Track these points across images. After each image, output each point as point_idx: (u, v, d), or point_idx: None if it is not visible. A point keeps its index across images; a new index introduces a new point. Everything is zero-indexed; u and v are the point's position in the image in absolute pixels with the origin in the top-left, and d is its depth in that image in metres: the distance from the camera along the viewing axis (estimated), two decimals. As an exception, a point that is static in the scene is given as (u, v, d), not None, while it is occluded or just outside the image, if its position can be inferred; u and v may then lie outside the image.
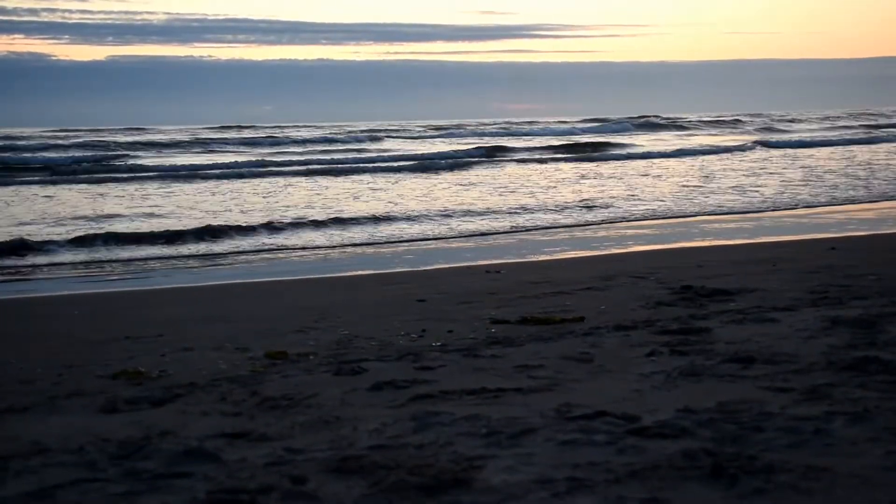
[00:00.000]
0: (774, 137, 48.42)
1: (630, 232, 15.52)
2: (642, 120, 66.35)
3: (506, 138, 50.46)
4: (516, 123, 70.96)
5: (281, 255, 14.02)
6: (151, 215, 19.09)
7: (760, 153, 38.02)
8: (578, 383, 4.84)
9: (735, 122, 66.70)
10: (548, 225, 16.74)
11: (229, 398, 4.82)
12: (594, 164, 33.75)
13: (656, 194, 21.44)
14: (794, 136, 48.73)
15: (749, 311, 6.97)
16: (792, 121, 69.73)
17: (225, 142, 48.31)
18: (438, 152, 39.14)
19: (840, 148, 40.33)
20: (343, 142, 48.67)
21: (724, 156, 36.41)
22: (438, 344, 6.55)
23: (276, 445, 3.90)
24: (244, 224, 16.82)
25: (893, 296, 7.34)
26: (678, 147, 41.42)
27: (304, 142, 48.46)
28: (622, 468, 3.49)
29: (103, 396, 5.06)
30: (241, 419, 4.38)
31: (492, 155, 38.55)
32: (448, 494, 3.32)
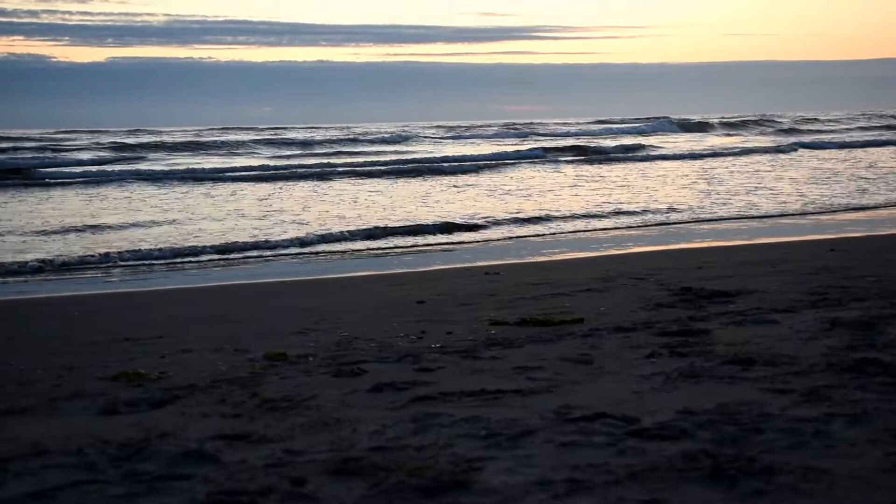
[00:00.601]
0: (808, 138, 48.00)
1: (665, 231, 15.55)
2: (679, 120, 66.12)
3: (546, 139, 50.38)
4: (544, 123, 70.69)
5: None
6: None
7: (803, 153, 38.16)
8: (578, 385, 4.85)
9: (763, 123, 66.09)
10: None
11: (229, 400, 4.82)
12: (671, 162, 34.10)
13: (786, 192, 21.59)
14: (827, 137, 48.43)
15: (749, 313, 6.97)
16: (813, 120, 69.44)
17: (281, 143, 47.05)
18: (511, 151, 39.38)
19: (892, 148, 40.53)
20: (370, 142, 48.14)
21: (777, 156, 36.39)
22: (438, 345, 6.55)
23: (276, 447, 3.90)
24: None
25: (892, 297, 7.34)
26: (733, 145, 42.01)
27: (332, 141, 47.81)
28: (622, 470, 3.49)
29: (103, 398, 5.06)
30: (240, 421, 4.38)
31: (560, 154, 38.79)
32: (448, 496, 3.32)
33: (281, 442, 3.98)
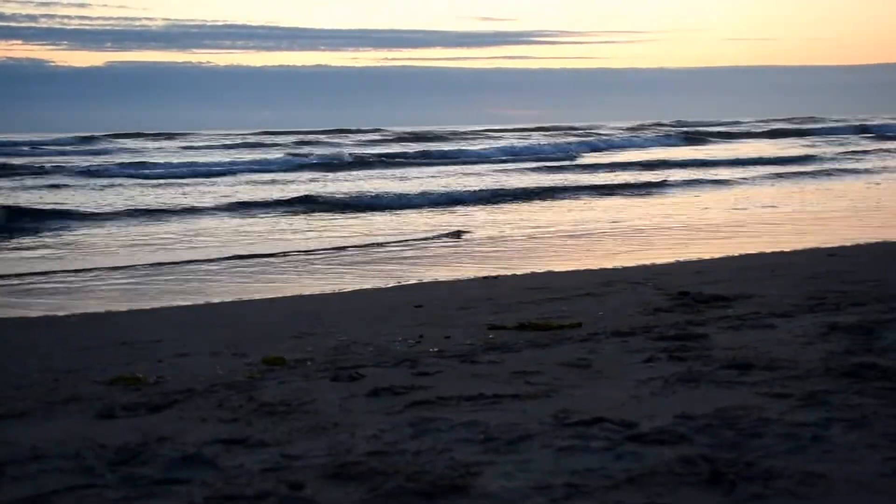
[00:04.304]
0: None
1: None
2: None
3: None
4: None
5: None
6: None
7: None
8: (576, 389, 4.84)
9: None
10: None
11: (227, 404, 4.81)
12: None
13: None
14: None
15: (747, 318, 6.96)
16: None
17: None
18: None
19: None
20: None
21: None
22: (436, 350, 6.54)
23: (274, 451, 3.89)
24: None
25: (891, 302, 7.34)
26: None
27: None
28: (620, 474, 3.48)
29: (100, 402, 5.06)
30: (238, 425, 4.37)
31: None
32: (446, 501, 3.31)
33: (278, 446, 3.98)
